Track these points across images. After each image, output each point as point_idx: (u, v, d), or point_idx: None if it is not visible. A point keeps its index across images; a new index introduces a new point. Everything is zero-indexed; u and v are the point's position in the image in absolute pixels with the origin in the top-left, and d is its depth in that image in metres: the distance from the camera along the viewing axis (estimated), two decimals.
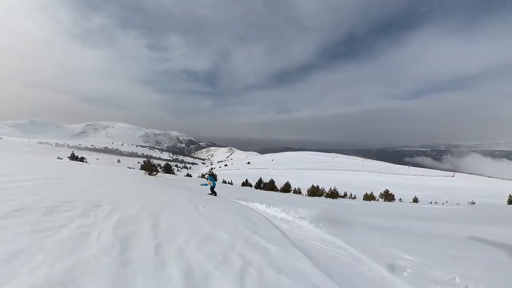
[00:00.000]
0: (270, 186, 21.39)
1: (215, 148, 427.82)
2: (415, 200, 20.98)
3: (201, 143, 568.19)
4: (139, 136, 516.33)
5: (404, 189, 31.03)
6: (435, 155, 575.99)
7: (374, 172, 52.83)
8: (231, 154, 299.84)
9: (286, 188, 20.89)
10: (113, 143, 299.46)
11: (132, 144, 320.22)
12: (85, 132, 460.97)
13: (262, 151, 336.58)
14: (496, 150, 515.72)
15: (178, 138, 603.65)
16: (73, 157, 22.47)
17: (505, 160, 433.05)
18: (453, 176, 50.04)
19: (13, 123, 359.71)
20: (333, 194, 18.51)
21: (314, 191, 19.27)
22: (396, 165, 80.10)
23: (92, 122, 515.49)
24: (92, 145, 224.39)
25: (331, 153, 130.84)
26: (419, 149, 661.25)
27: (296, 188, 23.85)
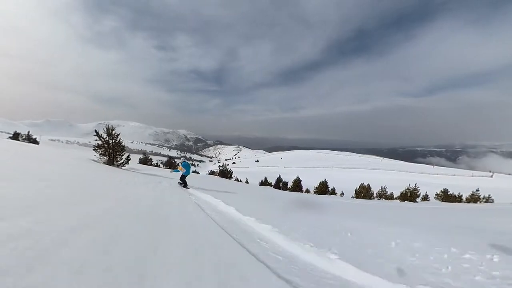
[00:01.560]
0: (295, 186, 17.76)
1: (222, 146, 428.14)
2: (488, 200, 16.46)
3: (208, 141, 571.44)
4: (149, 135, 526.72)
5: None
6: (450, 156, 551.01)
7: (400, 171, 48.00)
8: (238, 152, 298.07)
9: (323, 189, 16.84)
10: (122, 141, 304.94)
11: (141, 142, 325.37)
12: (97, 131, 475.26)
13: (269, 150, 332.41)
14: None
15: (186, 136, 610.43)
16: (16, 137, 19.41)
17: None
18: (492, 177, 44.42)
19: (30, 123, 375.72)
20: (407, 196, 14.31)
21: (362, 192, 15.30)
22: (418, 164, 73.99)
23: (104, 121, 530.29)
24: None
25: (342, 152, 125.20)
26: (432, 149, 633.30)
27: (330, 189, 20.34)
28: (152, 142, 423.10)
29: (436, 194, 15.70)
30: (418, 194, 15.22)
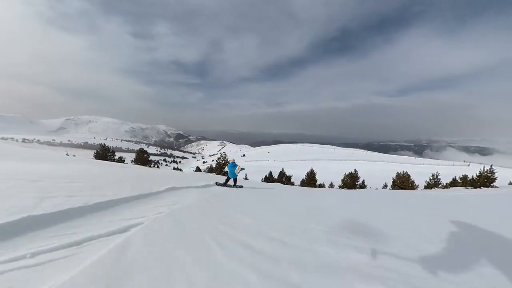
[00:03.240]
0: (310, 180, 15.51)
1: (205, 141, 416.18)
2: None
3: (190, 137, 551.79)
4: (125, 131, 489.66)
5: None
6: (417, 150, 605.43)
7: (388, 162, 49.01)
8: (223, 147, 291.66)
9: (352, 182, 14.51)
10: (94, 138, 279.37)
11: (116, 139, 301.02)
12: (64, 128, 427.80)
13: (254, 145, 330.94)
14: (471, 146, 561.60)
15: (166, 132, 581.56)
16: None
17: (477, 155, 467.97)
18: (469, 165, 47.42)
19: None
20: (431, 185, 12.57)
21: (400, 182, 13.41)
22: (401, 156, 77.49)
23: (73, 117, 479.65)
24: (69, 141, 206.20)
25: (326, 145, 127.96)
26: (403, 143, 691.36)
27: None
28: (128, 138, 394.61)
29: (454, 180, 14.78)
30: (439, 182, 14.05)
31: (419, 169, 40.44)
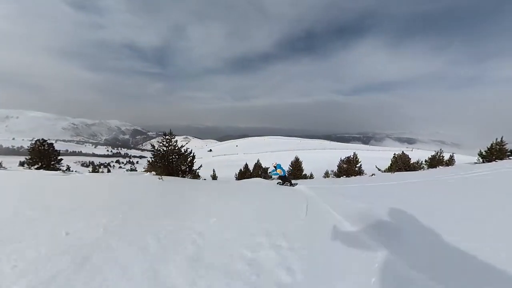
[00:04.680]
0: (296, 171, 12.86)
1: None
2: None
3: (150, 133, 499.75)
4: (63, 129, 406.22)
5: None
6: (365, 140, 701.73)
7: (355, 150, 52.22)
8: (187, 143, 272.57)
9: (352, 167, 12.25)
10: (14, 139, 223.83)
11: (49, 139, 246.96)
12: None
13: (221, 139, 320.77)
14: (403, 137, 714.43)
15: (119, 129, 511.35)
16: None
17: (406, 144, 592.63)
18: (412, 150, 54.65)
19: None
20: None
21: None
22: (361, 144, 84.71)
23: None
24: None
25: (291, 137, 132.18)
26: (354, 135, 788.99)
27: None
28: (68, 138, 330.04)
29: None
30: (442, 160, 13.71)
31: (384, 154, 44.69)
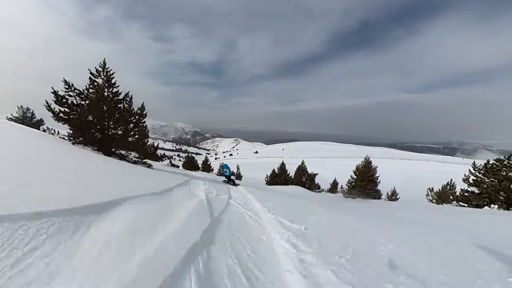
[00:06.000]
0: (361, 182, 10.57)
1: (220, 139, 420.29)
2: None
3: (206, 134, 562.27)
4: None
5: None
6: (448, 153, 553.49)
7: (428, 160, 41.66)
8: (236, 144, 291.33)
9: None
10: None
11: None
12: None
13: (268, 142, 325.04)
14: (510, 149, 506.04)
15: (183, 130, 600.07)
16: None
17: None
18: None
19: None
20: None
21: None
22: (444, 156, 67.20)
23: None
24: None
25: (346, 144, 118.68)
26: (430, 145, 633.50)
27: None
28: (149, 135, 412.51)
29: None
30: None
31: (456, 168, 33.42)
